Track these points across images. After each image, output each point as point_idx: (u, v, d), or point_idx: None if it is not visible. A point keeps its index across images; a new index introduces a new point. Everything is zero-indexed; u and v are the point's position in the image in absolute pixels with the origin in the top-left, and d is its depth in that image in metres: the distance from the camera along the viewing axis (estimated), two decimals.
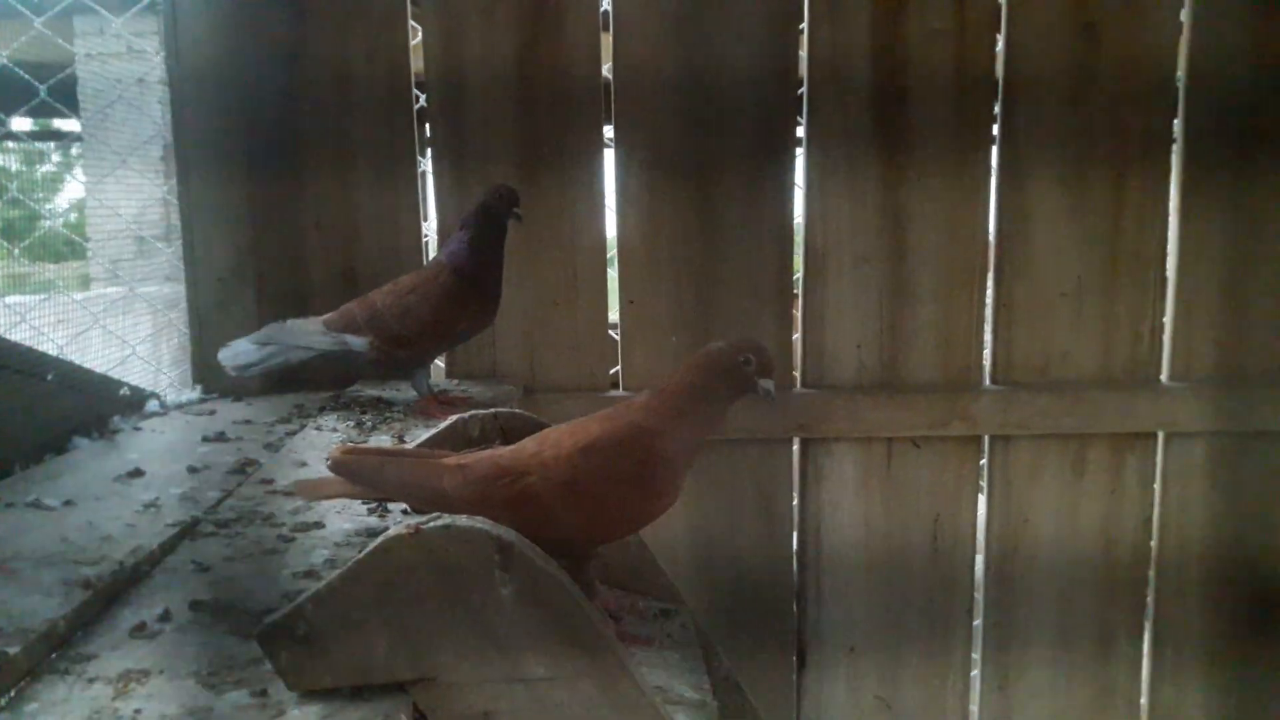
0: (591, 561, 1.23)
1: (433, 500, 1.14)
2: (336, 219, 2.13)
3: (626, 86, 2.16)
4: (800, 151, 2.21)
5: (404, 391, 1.98)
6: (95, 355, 1.97)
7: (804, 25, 2.16)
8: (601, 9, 2.15)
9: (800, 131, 2.21)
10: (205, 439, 1.65)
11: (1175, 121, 2.22)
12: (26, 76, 2.05)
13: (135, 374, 2.00)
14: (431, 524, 0.83)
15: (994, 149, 2.21)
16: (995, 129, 2.21)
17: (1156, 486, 2.31)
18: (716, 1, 2.12)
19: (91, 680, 0.86)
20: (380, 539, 0.83)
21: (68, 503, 1.28)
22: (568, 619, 0.85)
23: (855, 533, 2.30)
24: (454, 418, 1.35)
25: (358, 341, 1.85)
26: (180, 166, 2.04)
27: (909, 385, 2.24)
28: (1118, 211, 2.21)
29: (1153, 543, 2.32)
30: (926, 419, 2.23)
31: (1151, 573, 2.33)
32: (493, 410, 1.34)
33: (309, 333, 1.87)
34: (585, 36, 2.13)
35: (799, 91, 2.19)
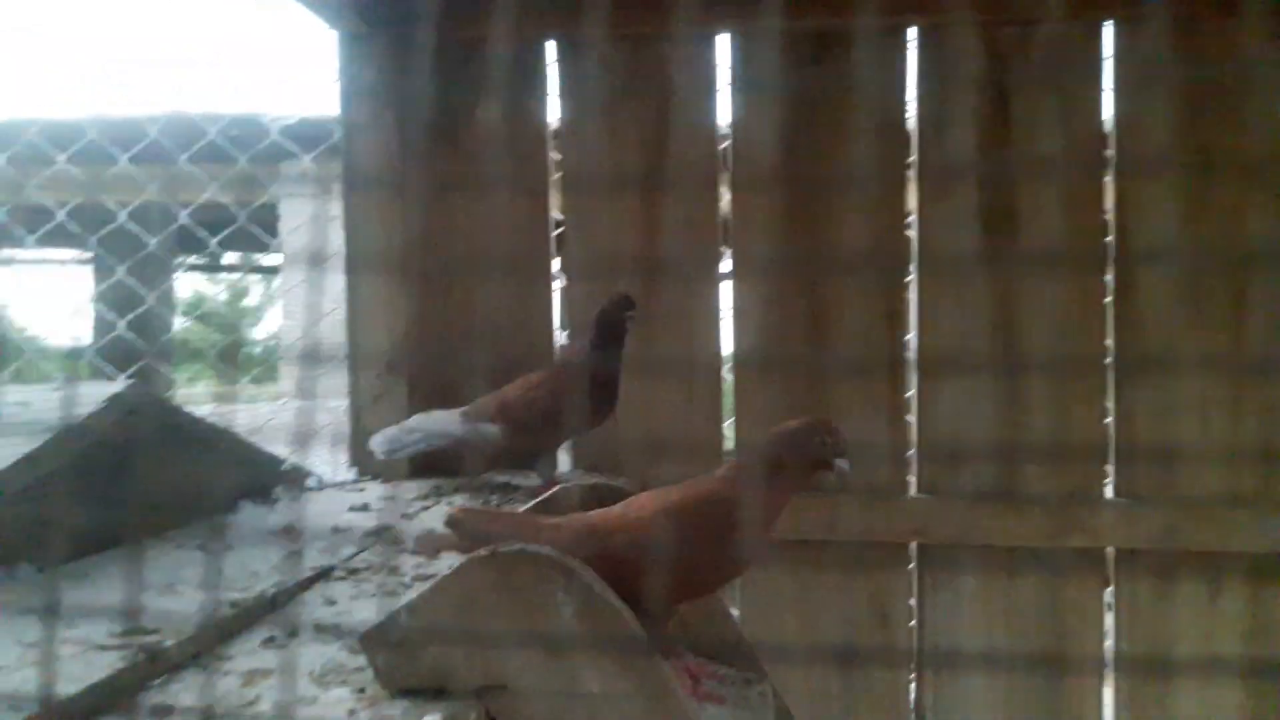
0: (671, 620, 1.33)
1: None
2: (480, 323, 2.36)
3: (742, 202, 2.33)
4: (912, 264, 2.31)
5: (531, 480, 2.15)
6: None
7: (914, 141, 2.29)
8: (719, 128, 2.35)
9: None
10: (351, 509, 1.86)
11: None
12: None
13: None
14: (505, 548, 0.96)
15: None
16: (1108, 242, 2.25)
17: None
18: (828, 114, 2.28)
19: (226, 674, 1.03)
20: (463, 559, 0.97)
21: (229, 548, 1.48)
22: (621, 641, 0.95)
23: (975, 643, 2.28)
24: (557, 487, 1.49)
25: (490, 429, 2.04)
26: (349, 273, 2.32)
27: (1026, 495, 2.24)
28: (1239, 319, 2.19)
29: None
30: (1045, 529, 2.21)
31: None
32: (590, 482, 1.47)
33: (449, 421, 2.08)
34: (704, 153, 2.33)
35: (909, 208, 2.31)
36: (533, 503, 1.52)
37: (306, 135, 2.98)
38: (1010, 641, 2.27)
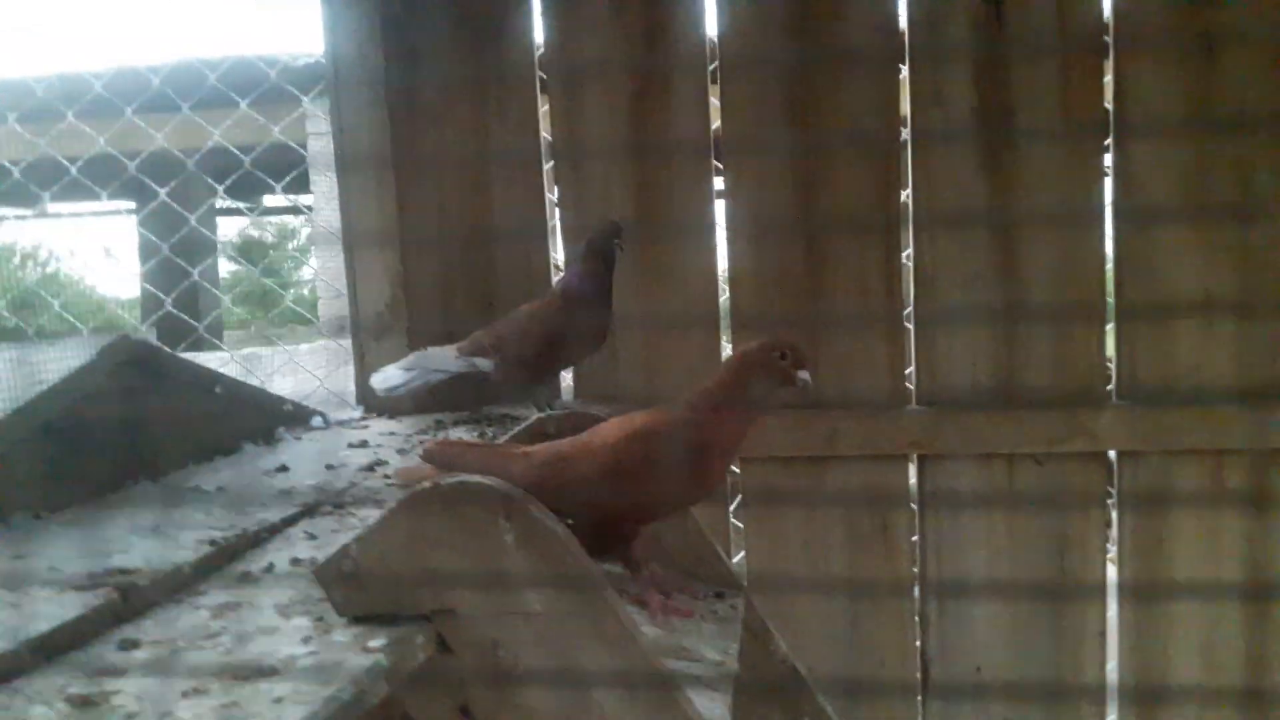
0: (637, 540, 1.37)
1: None
2: (477, 261, 2.38)
3: (733, 138, 2.30)
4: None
5: (531, 411, 2.18)
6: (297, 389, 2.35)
7: (905, 70, 2.24)
8: (710, 67, 2.31)
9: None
10: (350, 445, 1.91)
11: None
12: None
13: (319, 400, 2.34)
14: (447, 481, 1.00)
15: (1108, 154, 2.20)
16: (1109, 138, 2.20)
17: None
18: (821, 59, 2.24)
19: (197, 608, 1.08)
20: (408, 492, 1.00)
21: (220, 488, 1.54)
22: (561, 563, 0.99)
23: (977, 552, 2.30)
24: (535, 417, 1.52)
25: (485, 363, 2.08)
26: (345, 223, 2.35)
27: (1026, 400, 2.23)
28: (1244, 217, 2.13)
29: None
30: (1046, 435, 2.21)
31: None
32: (565, 410, 1.50)
33: (445, 358, 2.11)
34: (695, 99, 2.30)
35: (903, 133, 2.26)
36: (510, 433, 1.56)
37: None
38: (1013, 557, 2.29)
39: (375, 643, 0.94)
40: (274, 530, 1.36)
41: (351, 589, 1.00)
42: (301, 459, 1.77)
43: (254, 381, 2.43)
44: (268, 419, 1.98)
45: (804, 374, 1.36)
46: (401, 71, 2.33)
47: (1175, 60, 2.14)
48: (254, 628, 1.01)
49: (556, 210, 2.40)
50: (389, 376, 2.11)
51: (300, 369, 2.69)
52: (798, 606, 2.30)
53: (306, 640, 0.97)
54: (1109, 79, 2.18)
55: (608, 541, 1.35)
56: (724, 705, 1.20)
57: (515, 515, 0.98)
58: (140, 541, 1.26)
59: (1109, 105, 2.19)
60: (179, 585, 1.14)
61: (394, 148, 2.33)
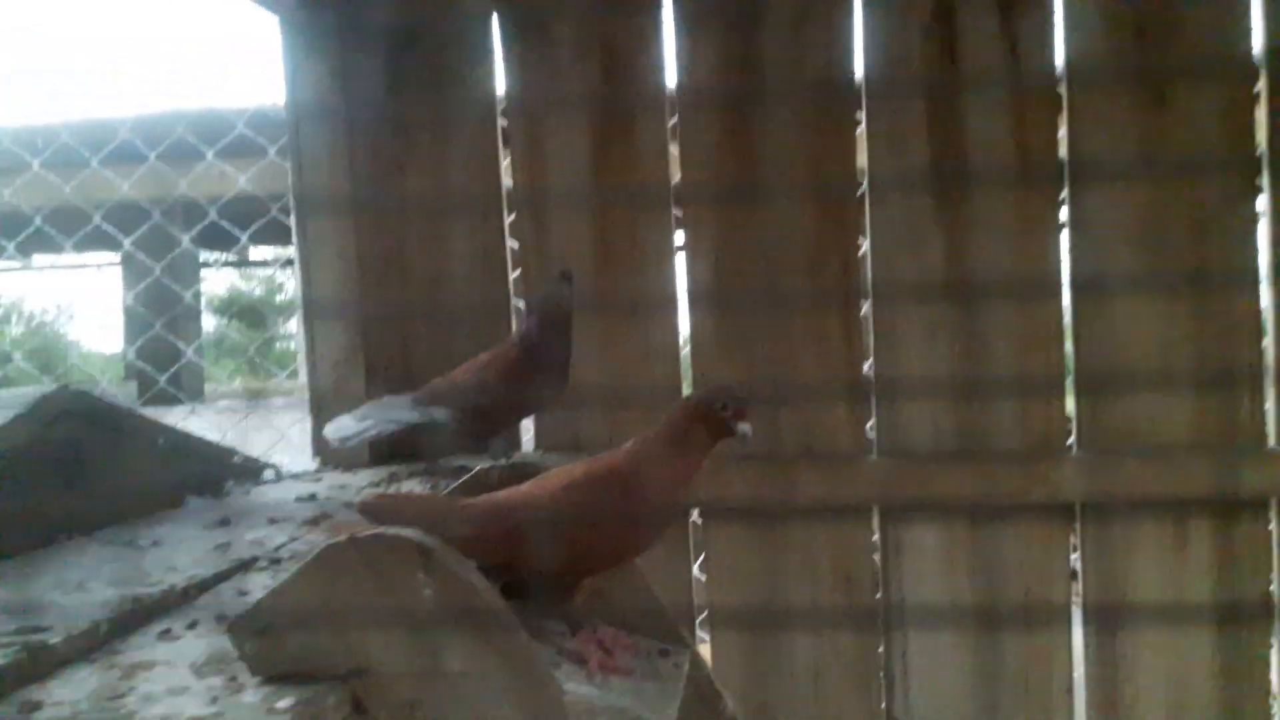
0: (579, 593, 1.34)
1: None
2: (436, 311, 2.36)
3: (691, 189, 2.31)
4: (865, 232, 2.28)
5: (487, 462, 2.15)
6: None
7: (860, 117, 2.26)
8: (670, 123, 2.32)
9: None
10: (298, 498, 1.87)
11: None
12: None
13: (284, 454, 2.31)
14: (362, 533, 0.97)
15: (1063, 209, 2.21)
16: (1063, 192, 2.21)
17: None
18: (770, 109, 2.25)
19: (110, 668, 1.04)
20: (323, 545, 0.97)
21: (155, 543, 1.50)
22: (482, 619, 0.96)
23: (942, 606, 2.27)
24: (477, 468, 1.50)
25: (441, 413, 2.05)
26: (303, 270, 2.34)
27: (987, 453, 2.22)
28: (1200, 274, 2.14)
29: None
30: (1007, 487, 2.20)
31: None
32: (508, 461, 1.48)
33: (400, 406, 2.08)
34: (654, 148, 2.31)
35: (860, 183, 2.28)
36: (455, 484, 1.53)
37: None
38: (978, 610, 2.26)
39: (284, 703, 0.91)
40: (204, 587, 1.32)
41: (265, 646, 0.97)
42: (244, 513, 1.73)
43: (230, 435, 2.40)
44: (214, 472, 1.95)
45: (745, 426, 1.35)
46: (363, 119, 2.33)
47: (1127, 107, 2.17)
48: (163, 688, 0.97)
49: (517, 259, 2.40)
50: (342, 426, 2.07)
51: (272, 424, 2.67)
52: (761, 661, 2.26)
53: (214, 700, 0.93)
54: (1062, 131, 2.21)
55: (549, 595, 1.32)
56: None
57: (434, 568, 0.96)
58: (62, 598, 1.22)
59: (1063, 155, 2.21)
60: (95, 644, 1.11)
61: (354, 196, 2.32)
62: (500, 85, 2.37)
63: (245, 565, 1.42)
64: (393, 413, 2.08)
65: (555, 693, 0.96)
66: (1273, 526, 2.17)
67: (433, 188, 2.36)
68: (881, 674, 2.30)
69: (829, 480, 2.25)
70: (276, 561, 1.43)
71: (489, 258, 2.36)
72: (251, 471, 2.05)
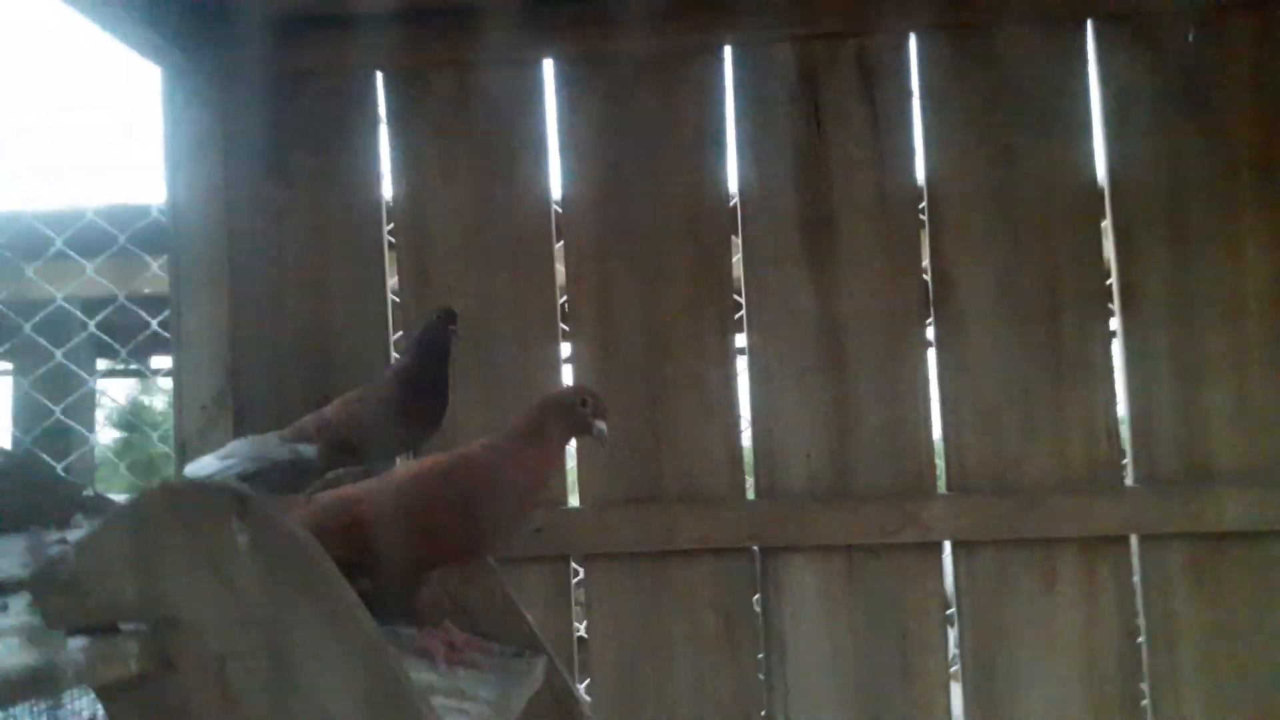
0: (425, 589, 1.30)
1: None
2: (313, 353, 2.33)
3: (573, 224, 2.36)
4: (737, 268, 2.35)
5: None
6: None
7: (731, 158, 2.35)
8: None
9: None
10: None
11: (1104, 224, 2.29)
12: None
13: None
14: (177, 480, 0.94)
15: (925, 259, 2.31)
16: (924, 240, 2.32)
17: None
18: (646, 145, 2.33)
19: None
20: (136, 494, 0.94)
21: None
22: (298, 566, 0.93)
23: (820, 648, 2.26)
24: (331, 474, 1.47)
25: (308, 449, 2.00)
26: (173, 309, 2.29)
27: (860, 492, 2.25)
28: (1054, 315, 2.25)
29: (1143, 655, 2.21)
30: (879, 526, 2.22)
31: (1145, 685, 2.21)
32: (364, 467, 1.45)
33: (266, 445, 2.03)
34: (536, 187, 2.36)
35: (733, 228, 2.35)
36: (308, 490, 1.49)
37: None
38: (856, 654, 2.26)
39: (76, 644, 0.86)
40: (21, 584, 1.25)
41: (69, 600, 0.92)
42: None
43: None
44: (64, 506, 1.86)
45: (601, 425, 1.36)
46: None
47: (981, 163, 2.30)
48: None
49: (398, 305, 2.40)
50: (204, 465, 2.00)
51: None
52: (640, 704, 2.22)
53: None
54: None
55: (394, 592, 1.29)
56: None
57: (250, 514, 0.93)
58: None
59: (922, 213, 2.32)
60: None
61: (229, 238, 2.31)
62: (383, 137, 2.41)
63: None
64: (258, 450, 2.03)
65: (389, 656, 0.93)
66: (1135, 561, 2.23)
67: (312, 233, 2.36)
68: (763, 713, 2.26)
69: (707, 522, 2.24)
70: None
71: (368, 300, 2.35)
72: (105, 508, 1.96)
